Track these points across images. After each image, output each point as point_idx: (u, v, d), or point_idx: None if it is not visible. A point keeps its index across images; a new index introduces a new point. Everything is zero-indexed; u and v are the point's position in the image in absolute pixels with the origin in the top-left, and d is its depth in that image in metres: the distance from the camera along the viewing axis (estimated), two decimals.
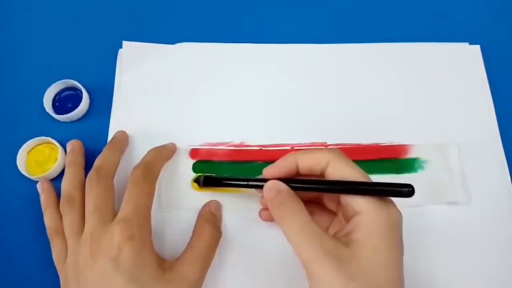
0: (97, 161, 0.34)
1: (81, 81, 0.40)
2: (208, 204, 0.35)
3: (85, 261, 0.29)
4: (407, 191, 0.25)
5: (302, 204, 0.28)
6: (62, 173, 0.37)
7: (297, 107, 0.40)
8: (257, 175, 0.36)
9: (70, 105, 0.39)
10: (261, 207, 0.34)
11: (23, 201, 0.37)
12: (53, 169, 0.36)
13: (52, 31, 0.43)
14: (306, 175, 0.30)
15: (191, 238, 0.33)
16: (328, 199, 0.31)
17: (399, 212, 0.27)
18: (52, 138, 0.37)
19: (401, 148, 0.38)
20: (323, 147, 0.38)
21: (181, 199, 0.36)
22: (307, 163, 0.29)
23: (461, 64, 0.42)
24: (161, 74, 0.41)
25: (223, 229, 0.35)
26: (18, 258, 0.35)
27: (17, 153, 0.37)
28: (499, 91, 0.40)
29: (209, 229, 0.33)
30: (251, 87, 0.40)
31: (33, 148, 0.38)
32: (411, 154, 0.38)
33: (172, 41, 0.42)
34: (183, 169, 0.37)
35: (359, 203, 0.26)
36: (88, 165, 0.36)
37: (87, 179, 0.32)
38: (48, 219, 0.34)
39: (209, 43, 0.42)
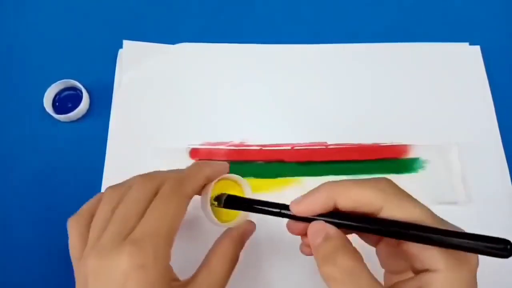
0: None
1: (81, 81, 0.40)
2: (244, 226, 0.29)
3: (91, 273, 0.23)
4: (503, 249, 0.18)
5: (359, 258, 0.21)
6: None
7: (297, 107, 0.40)
8: (257, 175, 0.36)
9: (70, 105, 0.39)
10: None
11: (23, 201, 0.37)
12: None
13: (52, 31, 0.43)
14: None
15: (210, 260, 0.27)
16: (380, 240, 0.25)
17: (478, 261, 0.21)
18: (52, 138, 0.37)
19: (401, 148, 0.38)
20: (324, 146, 0.38)
21: None
22: (351, 204, 0.22)
23: (461, 64, 0.42)
24: (161, 74, 0.41)
25: (218, 229, 0.33)
26: (19, 257, 0.36)
27: (17, 153, 0.37)
28: (499, 91, 0.40)
29: (234, 255, 0.27)
30: (251, 87, 0.40)
31: None
32: (411, 154, 0.38)
33: (172, 41, 0.42)
34: None
35: (434, 259, 0.20)
36: (88, 166, 0.36)
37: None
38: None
39: (209, 43, 0.42)
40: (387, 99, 0.40)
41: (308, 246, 0.24)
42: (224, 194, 0.28)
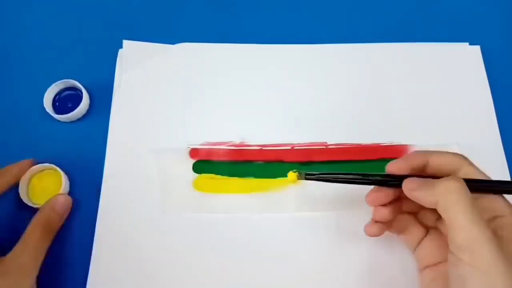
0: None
1: (81, 81, 0.40)
2: (48, 206, 0.33)
3: None
4: None
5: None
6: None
7: (297, 107, 0.40)
8: (258, 175, 0.36)
9: (70, 105, 0.39)
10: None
11: (23, 201, 0.37)
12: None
13: (52, 31, 0.43)
14: (430, 175, 0.29)
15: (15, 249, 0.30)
16: (426, 214, 0.31)
17: None
18: (52, 138, 0.37)
19: (401, 148, 0.38)
20: (324, 146, 0.38)
21: (181, 200, 0.36)
22: (440, 162, 0.29)
23: (461, 64, 0.42)
24: (161, 74, 0.41)
25: (218, 229, 0.34)
26: None
27: (17, 153, 0.37)
28: (499, 91, 0.40)
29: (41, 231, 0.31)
30: (251, 87, 0.40)
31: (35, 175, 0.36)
32: None
33: (172, 41, 0.42)
34: (183, 169, 0.37)
35: (502, 207, 0.27)
36: (89, 166, 0.36)
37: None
38: None
39: (210, 43, 0.42)
40: (387, 99, 0.40)
41: (377, 223, 0.30)
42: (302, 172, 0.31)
